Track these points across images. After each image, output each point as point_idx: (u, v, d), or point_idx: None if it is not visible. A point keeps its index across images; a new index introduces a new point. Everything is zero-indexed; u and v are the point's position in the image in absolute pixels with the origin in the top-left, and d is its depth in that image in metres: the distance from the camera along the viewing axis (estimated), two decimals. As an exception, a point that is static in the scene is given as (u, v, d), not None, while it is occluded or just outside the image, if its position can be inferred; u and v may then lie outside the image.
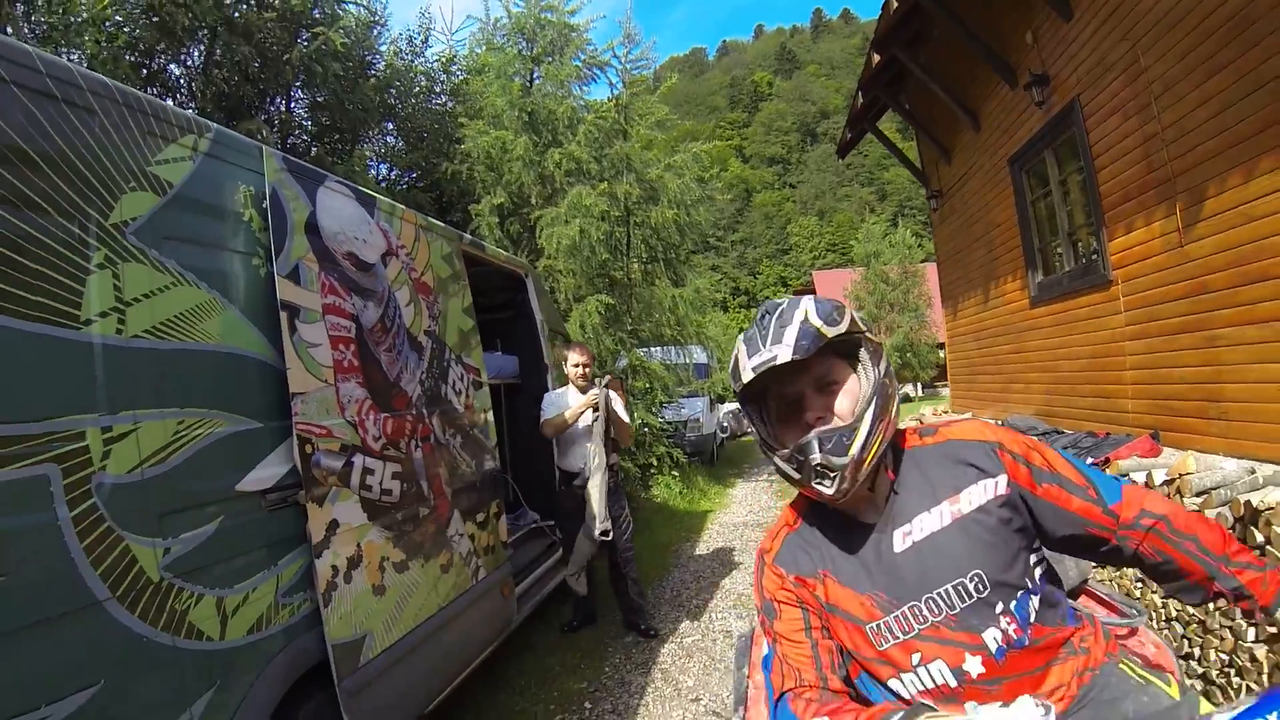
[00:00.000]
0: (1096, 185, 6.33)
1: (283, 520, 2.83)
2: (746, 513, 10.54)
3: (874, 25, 9.11)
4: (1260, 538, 3.50)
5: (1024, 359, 8.40)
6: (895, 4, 7.87)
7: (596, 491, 5.29)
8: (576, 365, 5.50)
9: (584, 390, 5.49)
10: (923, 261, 31.59)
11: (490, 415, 4.95)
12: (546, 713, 4.59)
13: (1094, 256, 6.59)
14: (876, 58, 9.54)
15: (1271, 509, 3.50)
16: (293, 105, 9.70)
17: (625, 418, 5.66)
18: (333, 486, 3.06)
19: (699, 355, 16.46)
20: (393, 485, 3.51)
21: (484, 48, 12.07)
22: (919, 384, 33.74)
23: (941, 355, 26.57)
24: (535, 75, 11.47)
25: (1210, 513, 3.93)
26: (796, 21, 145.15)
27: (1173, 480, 4.45)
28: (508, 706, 4.69)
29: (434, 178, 11.06)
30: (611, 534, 5.34)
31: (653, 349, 12.54)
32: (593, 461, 5.35)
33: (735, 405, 26.26)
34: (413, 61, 11.46)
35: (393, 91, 10.52)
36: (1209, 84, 4.77)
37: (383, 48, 10.74)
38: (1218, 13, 4.59)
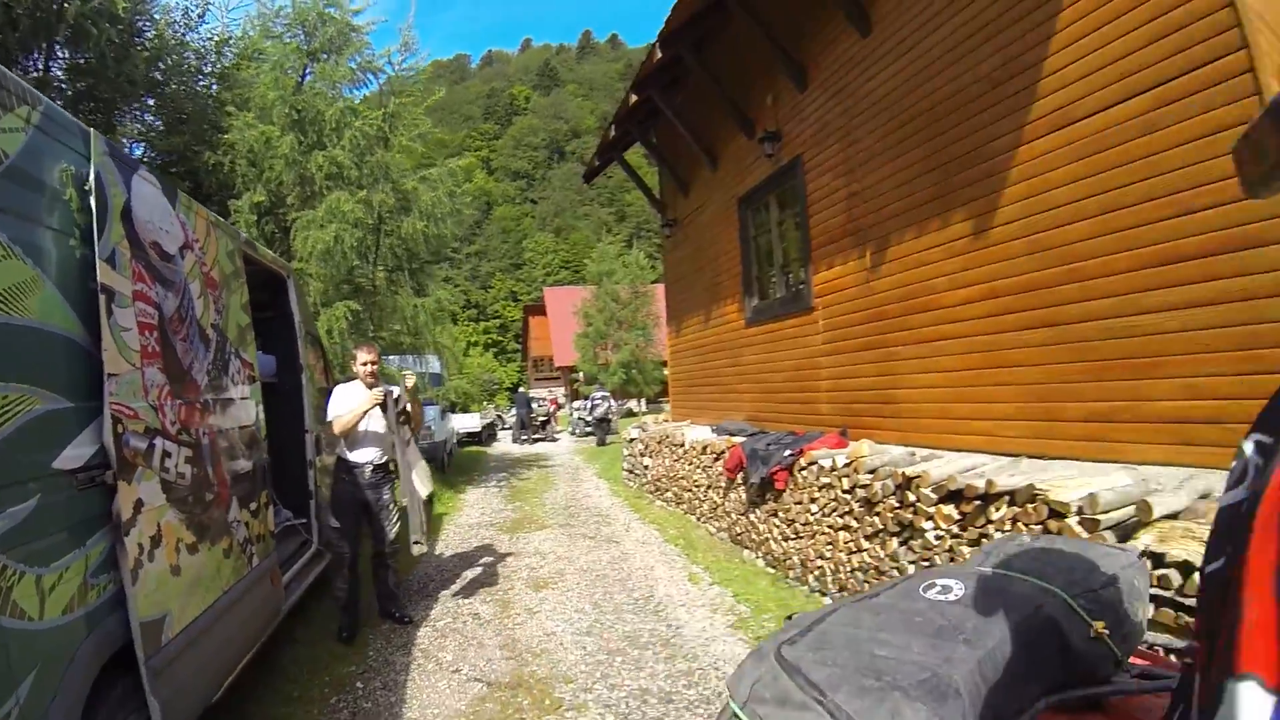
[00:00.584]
0: (808, 228, 7.58)
1: (90, 500, 2.79)
2: (479, 515, 10.94)
3: (639, 52, 9.95)
4: (912, 497, 4.77)
5: (739, 372, 9.60)
6: (659, 54, 8.77)
7: (415, 464, 5.89)
8: (365, 364, 5.73)
9: (371, 387, 5.72)
10: (653, 282, 32.57)
11: (261, 410, 5.03)
12: (322, 695, 4.73)
13: (801, 286, 7.85)
14: (635, 98, 10.40)
15: (919, 476, 4.78)
16: (52, 65, 8.66)
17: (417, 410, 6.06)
18: (139, 466, 3.08)
19: (434, 365, 16.54)
20: (185, 469, 3.56)
21: (258, 32, 11.43)
22: (643, 399, 34.50)
23: (666, 373, 27.24)
24: (308, 71, 11.11)
25: (878, 484, 5.11)
26: (565, 40, 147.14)
27: (851, 462, 5.62)
28: (285, 694, 4.77)
29: (193, 165, 10.30)
30: (388, 526, 5.84)
31: (390, 357, 12.59)
32: (400, 446, 5.81)
33: (476, 414, 26.38)
34: (185, 36, 10.58)
35: (161, 66, 9.72)
36: (900, 159, 6.06)
37: (155, 16, 9.87)
38: (916, 105, 5.88)
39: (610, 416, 22.62)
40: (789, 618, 1.57)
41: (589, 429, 24.01)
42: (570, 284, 55.14)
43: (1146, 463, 4.12)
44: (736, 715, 1.29)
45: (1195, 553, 3.12)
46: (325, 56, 11.11)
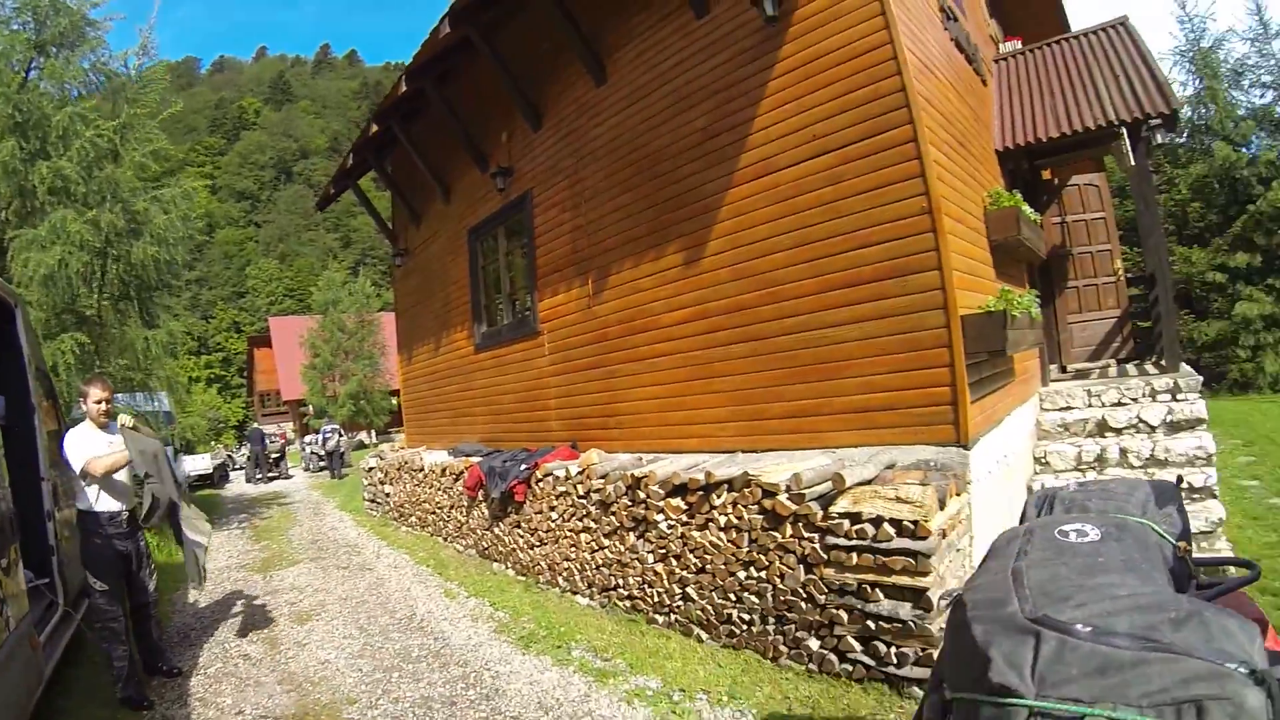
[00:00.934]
0: (535, 258, 7.46)
1: None
2: (227, 558, 9.42)
3: (376, 71, 9.29)
4: (643, 495, 4.87)
5: (471, 396, 9.21)
6: (404, 88, 8.24)
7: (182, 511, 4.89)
8: (98, 401, 4.56)
9: (104, 427, 4.59)
10: (380, 310, 30.90)
11: (1, 457, 3.92)
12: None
13: (528, 313, 7.70)
14: (375, 127, 9.72)
15: (647, 476, 4.86)
16: None
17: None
18: None
19: (165, 403, 14.19)
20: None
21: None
22: (374, 431, 32.17)
23: (395, 402, 25.92)
24: (35, 66, 9.09)
25: (610, 486, 5.09)
26: (302, 52, 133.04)
27: (584, 469, 5.54)
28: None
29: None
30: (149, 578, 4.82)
31: (118, 395, 10.55)
32: (148, 497, 4.64)
33: (205, 454, 22.92)
34: None
35: None
36: (623, 196, 6.14)
37: None
38: (640, 150, 6.00)
39: (342, 449, 20.90)
40: (945, 596, 1.43)
41: (322, 463, 21.99)
42: (295, 313, 49.99)
43: (842, 446, 4.55)
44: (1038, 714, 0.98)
45: (883, 508, 3.65)
46: (56, 52, 9.12)
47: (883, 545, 3.65)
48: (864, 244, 4.31)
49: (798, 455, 4.59)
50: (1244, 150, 14.27)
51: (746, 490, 4.20)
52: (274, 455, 23.33)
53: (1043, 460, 6.07)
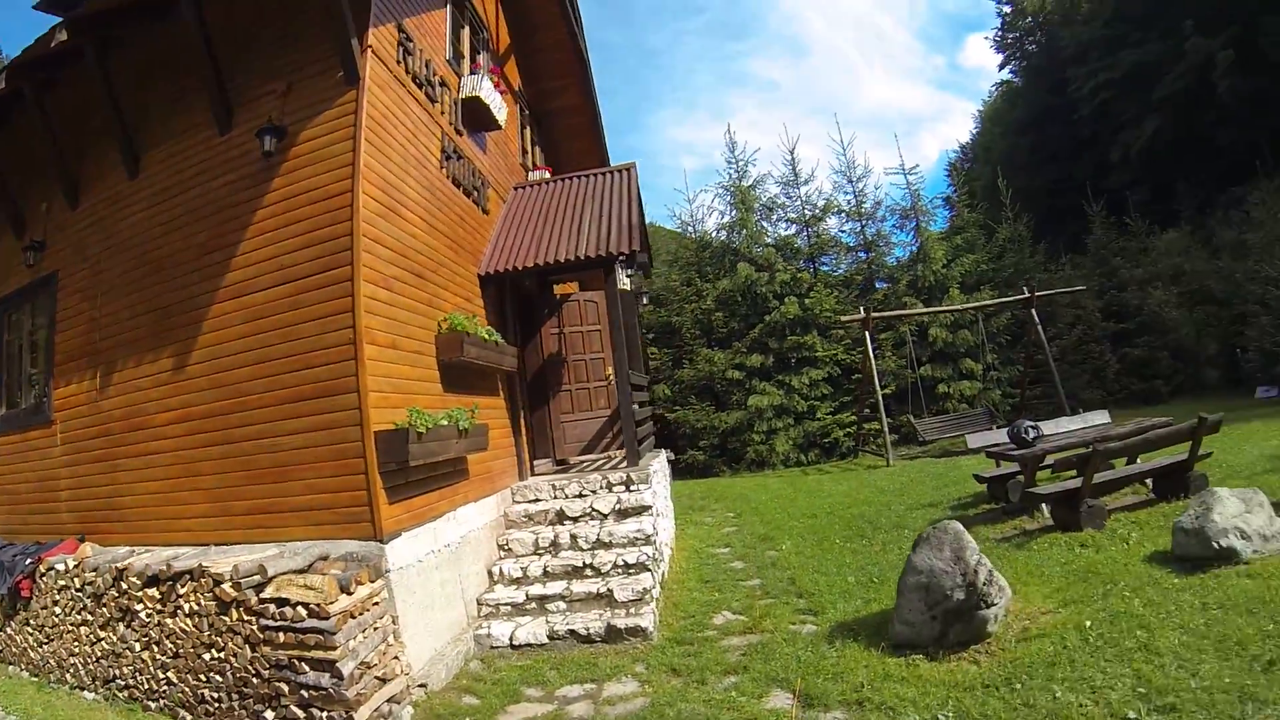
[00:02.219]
0: (54, 344, 7.14)
1: None
2: None
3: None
4: (126, 585, 5.19)
5: (-13, 483, 8.26)
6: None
7: None
8: None
9: None
10: None
11: None
12: None
13: (44, 399, 7.28)
14: None
15: (127, 566, 5.23)
16: None
17: None
18: None
19: None
20: None
21: None
22: None
23: None
24: None
25: (99, 579, 5.35)
26: None
27: (79, 562, 5.69)
28: None
29: None
30: None
31: None
32: None
33: None
34: None
35: None
36: (132, 295, 6.30)
37: None
38: (151, 254, 6.24)
39: None
40: None
41: None
42: None
43: (294, 539, 5.14)
44: None
45: (296, 593, 4.37)
46: None
47: (299, 625, 4.35)
48: (311, 364, 5.08)
49: (257, 547, 5.13)
50: (764, 273, 18.02)
51: (203, 580, 4.73)
52: None
53: (506, 546, 6.89)
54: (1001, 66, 41.76)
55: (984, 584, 4.50)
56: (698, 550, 8.42)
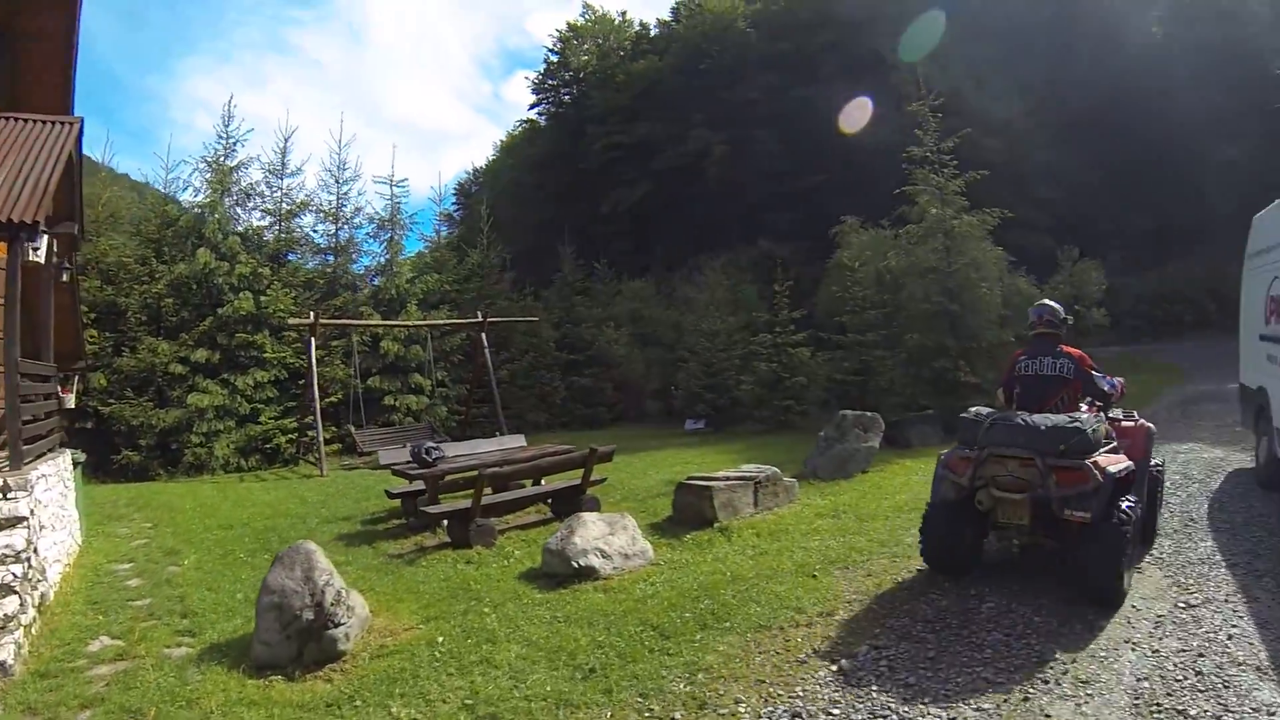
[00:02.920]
0: None
1: None
2: None
3: None
4: None
5: None
6: None
7: None
8: None
9: None
10: None
11: None
12: None
13: None
14: None
15: None
16: None
17: None
18: None
19: None
20: None
21: None
22: None
23: None
24: None
25: None
26: None
27: None
28: None
29: None
30: None
31: None
32: None
33: None
34: None
35: None
36: None
37: None
38: None
39: None
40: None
41: None
42: None
43: None
44: None
45: None
46: None
47: None
48: None
49: None
50: (225, 262, 16.37)
51: None
52: None
53: None
54: (533, 107, 45.65)
55: (331, 604, 4.50)
56: (97, 567, 7.29)
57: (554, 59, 43.75)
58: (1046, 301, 5.69)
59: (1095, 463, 4.53)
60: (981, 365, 12.50)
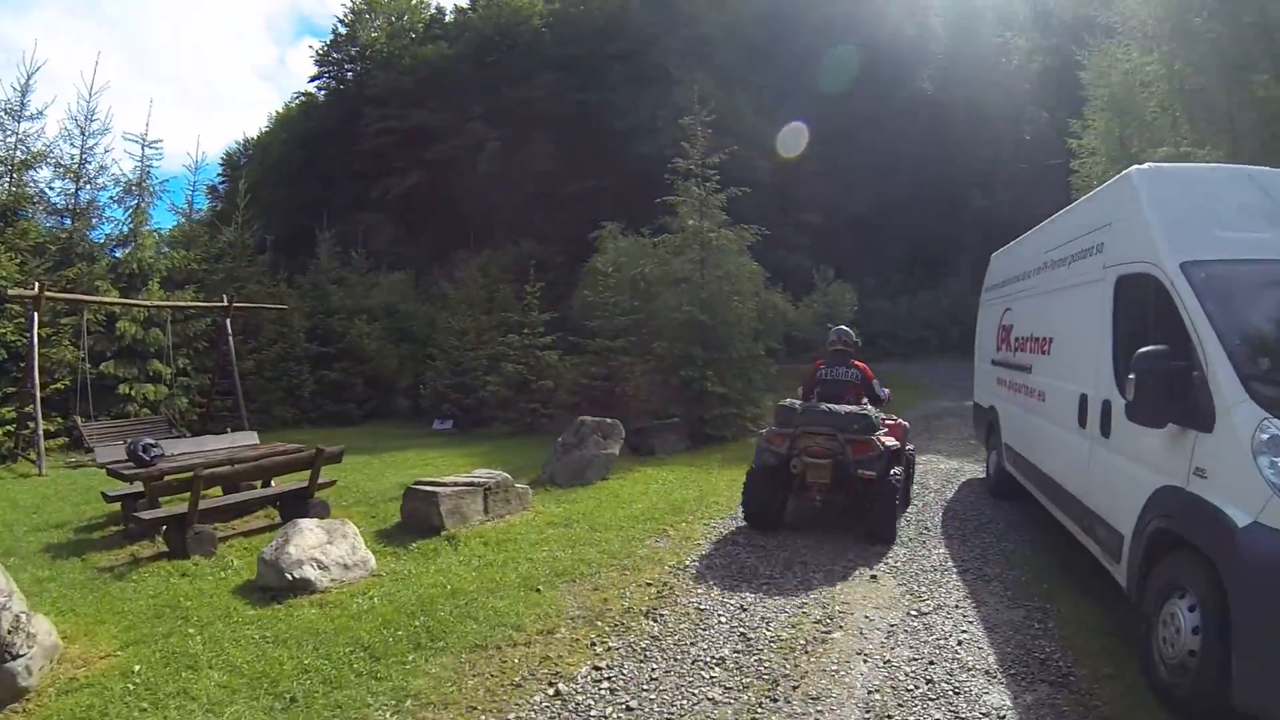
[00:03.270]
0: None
1: None
2: None
3: None
4: None
5: None
6: None
7: None
8: None
9: None
10: None
11: None
12: None
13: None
14: None
15: None
16: None
17: None
18: None
19: None
20: None
21: None
22: None
23: None
24: None
25: None
26: None
27: None
28: None
29: None
30: None
31: None
32: None
33: None
34: None
35: None
36: None
37: None
38: None
39: None
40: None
41: None
42: None
43: None
44: None
45: None
46: None
47: None
48: None
49: None
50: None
51: None
52: None
53: None
54: (313, 79, 41.88)
55: (9, 632, 3.73)
56: None
57: (343, 31, 40.44)
58: (843, 327, 7.52)
59: (878, 438, 6.18)
60: (730, 375, 12.55)
